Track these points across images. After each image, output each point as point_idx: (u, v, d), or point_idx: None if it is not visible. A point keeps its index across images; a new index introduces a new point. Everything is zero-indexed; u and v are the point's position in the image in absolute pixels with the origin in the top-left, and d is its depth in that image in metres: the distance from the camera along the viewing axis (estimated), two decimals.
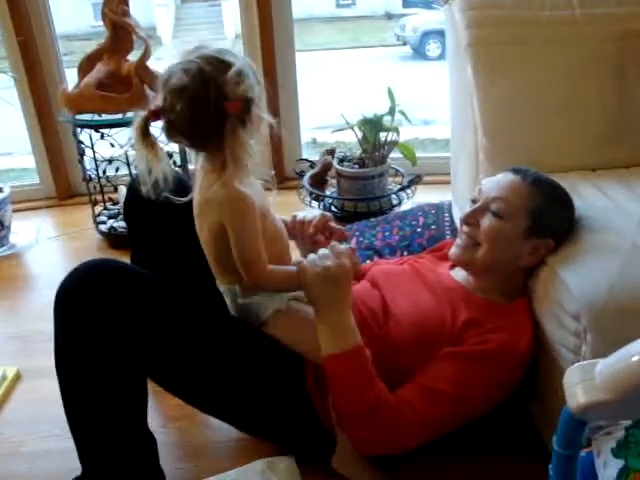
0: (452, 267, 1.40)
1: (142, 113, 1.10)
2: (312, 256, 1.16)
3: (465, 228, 1.31)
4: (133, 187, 1.38)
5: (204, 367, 1.12)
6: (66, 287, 1.08)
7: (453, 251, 1.32)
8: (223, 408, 1.19)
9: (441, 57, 6.22)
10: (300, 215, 1.38)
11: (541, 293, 1.24)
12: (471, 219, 1.29)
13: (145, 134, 1.09)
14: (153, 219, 1.36)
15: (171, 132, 1.09)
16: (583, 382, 0.72)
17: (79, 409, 1.11)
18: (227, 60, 1.08)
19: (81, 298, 1.05)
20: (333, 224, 1.36)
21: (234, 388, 1.14)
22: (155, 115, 1.09)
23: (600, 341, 1.07)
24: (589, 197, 1.40)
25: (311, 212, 1.40)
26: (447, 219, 1.96)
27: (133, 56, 2.28)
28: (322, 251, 1.17)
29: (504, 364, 1.18)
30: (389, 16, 8.57)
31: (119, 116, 2.19)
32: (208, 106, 1.05)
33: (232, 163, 1.10)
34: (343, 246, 1.19)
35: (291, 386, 1.17)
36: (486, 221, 1.26)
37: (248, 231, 1.11)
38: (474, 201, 1.32)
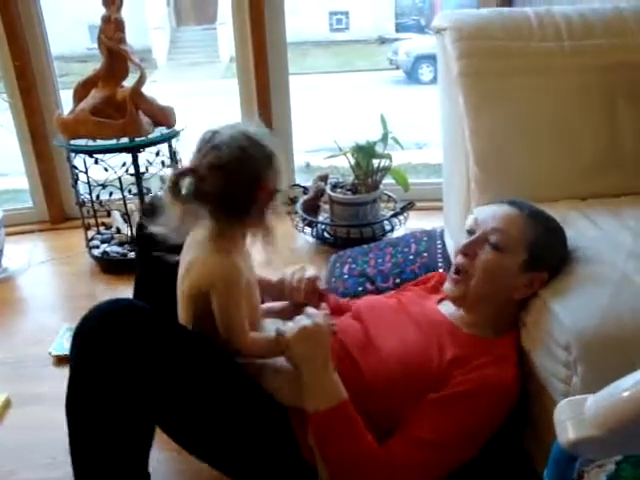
0: (440, 301, 1.39)
1: (173, 171, 1.12)
2: (289, 323, 1.18)
3: (460, 259, 1.30)
4: (150, 207, 1.38)
5: (205, 411, 1.11)
6: (88, 325, 1.06)
7: (447, 286, 1.32)
8: (208, 447, 1.17)
9: (434, 81, 6.26)
10: (287, 276, 1.39)
11: (532, 324, 1.24)
12: (468, 250, 1.28)
13: (176, 194, 1.08)
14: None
15: (199, 192, 1.09)
16: (573, 417, 0.72)
17: (84, 448, 1.09)
18: (266, 145, 1.12)
19: (103, 336, 1.03)
20: (320, 285, 1.39)
21: (222, 428, 1.12)
22: (186, 174, 1.09)
23: (590, 371, 1.08)
24: (579, 227, 1.41)
25: (295, 271, 1.41)
26: (439, 246, 1.97)
27: (128, 82, 2.30)
28: (297, 317, 1.18)
29: (488, 401, 1.17)
30: (382, 40, 8.68)
31: (113, 141, 2.20)
32: (242, 184, 1.09)
33: (248, 239, 1.15)
34: (317, 311, 1.21)
35: (275, 421, 1.16)
36: (484, 253, 1.26)
37: (234, 302, 1.12)
38: (470, 232, 1.31)
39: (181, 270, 1.18)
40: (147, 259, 1.34)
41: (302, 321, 1.16)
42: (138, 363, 1.03)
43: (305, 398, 1.13)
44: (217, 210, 1.10)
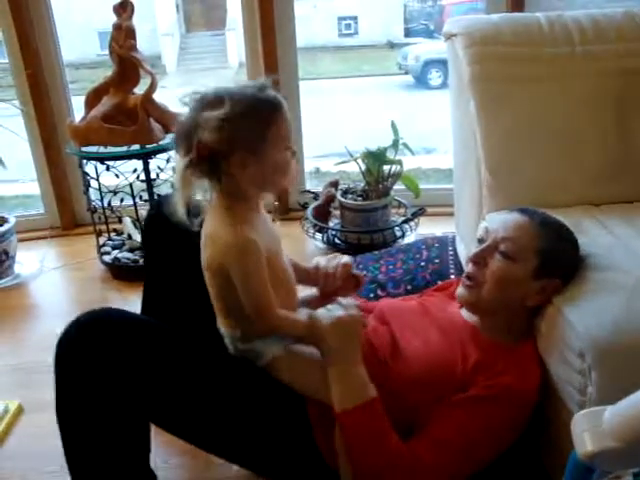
0: (462, 306, 1.39)
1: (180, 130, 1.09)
2: (322, 310, 1.17)
3: (471, 267, 1.30)
4: (156, 206, 1.38)
5: (207, 409, 1.10)
6: (67, 337, 1.07)
7: (460, 292, 1.32)
8: (227, 448, 1.18)
9: (443, 86, 6.27)
10: (322, 263, 1.37)
11: (546, 331, 1.24)
12: (478, 259, 1.28)
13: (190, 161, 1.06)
14: (172, 241, 1.32)
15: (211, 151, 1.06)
16: (591, 429, 0.72)
17: (80, 455, 1.10)
18: (223, 101, 1.05)
19: (82, 347, 1.04)
20: (354, 271, 1.37)
21: (237, 428, 1.13)
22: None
23: (605, 379, 1.07)
24: (593, 233, 1.40)
25: (330, 258, 1.40)
26: (451, 253, 1.97)
27: (139, 89, 2.31)
28: (330, 306, 1.18)
29: (510, 407, 1.17)
30: (391, 45, 8.67)
31: (124, 148, 2.21)
32: (186, 141, 1.06)
33: (231, 200, 1.10)
34: (350, 300, 1.20)
35: (294, 424, 1.16)
36: (495, 262, 1.25)
37: (253, 278, 1.09)
38: (480, 240, 1.31)
39: (202, 242, 1.15)
40: (156, 246, 1.36)
41: (336, 311, 1.15)
42: (125, 367, 1.04)
43: (334, 391, 1.13)
44: (193, 170, 1.06)
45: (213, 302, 1.18)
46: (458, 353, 1.23)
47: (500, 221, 1.31)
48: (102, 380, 1.04)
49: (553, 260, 1.24)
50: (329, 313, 1.15)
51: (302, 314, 1.18)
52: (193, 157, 1.05)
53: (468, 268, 1.31)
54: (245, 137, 1.05)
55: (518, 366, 1.22)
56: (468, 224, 1.79)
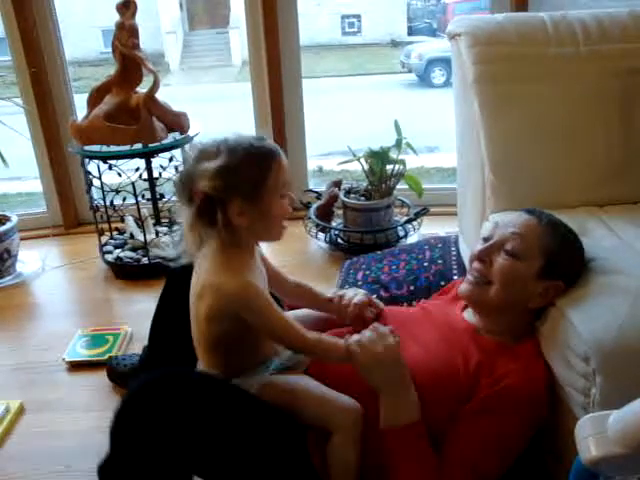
0: (464, 308, 1.39)
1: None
2: (357, 337, 1.17)
3: (476, 265, 1.29)
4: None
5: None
6: (131, 402, 1.06)
7: (463, 287, 1.31)
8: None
9: (446, 84, 6.27)
10: (337, 295, 1.41)
11: (549, 334, 1.23)
12: (484, 256, 1.27)
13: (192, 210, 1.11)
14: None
15: (206, 204, 1.11)
16: (595, 434, 0.71)
17: None
18: (220, 151, 1.09)
19: (144, 413, 1.03)
20: (367, 312, 1.38)
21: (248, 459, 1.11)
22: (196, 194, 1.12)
23: (609, 383, 1.06)
24: (597, 235, 1.40)
25: (348, 290, 1.43)
26: (454, 253, 1.96)
27: (142, 88, 2.30)
28: (367, 333, 1.17)
29: (521, 407, 1.17)
30: (394, 44, 8.68)
31: (127, 147, 2.21)
32: (185, 190, 1.11)
33: (229, 247, 1.12)
34: (384, 327, 1.20)
35: (293, 449, 1.15)
36: (500, 260, 1.25)
37: (268, 313, 1.12)
38: (486, 239, 1.31)
39: (193, 291, 1.17)
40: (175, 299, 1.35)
41: (373, 345, 1.15)
42: (183, 430, 1.03)
43: (385, 413, 1.15)
44: (225, 222, 1.09)
45: (196, 346, 1.20)
46: (459, 357, 1.22)
47: (507, 220, 1.31)
48: (160, 443, 1.03)
49: (558, 262, 1.24)
50: (367, 345, 1.15)
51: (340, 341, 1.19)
52: (195, 205, 1.09)
53: (474, 265, 1.30)
54: (242, 185, 1.08)
55: (521, 365, 1.21)
56: (471, 224, 1.78)
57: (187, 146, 1.15)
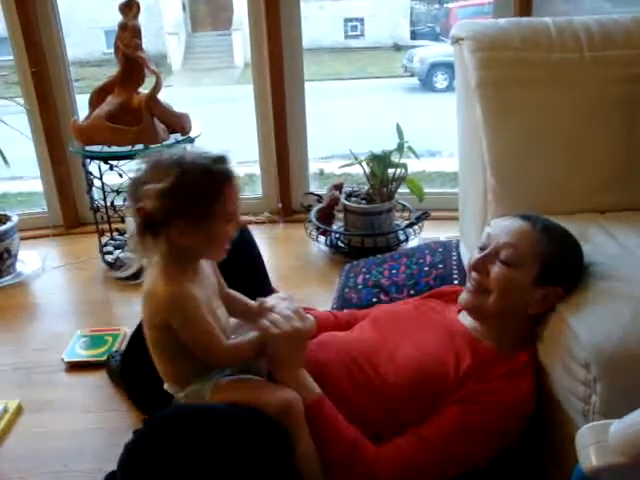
0: (460, 311, 1.38)
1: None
2: (274, 316, 1.17)
3: (474, 275, 1.29)
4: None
5: None
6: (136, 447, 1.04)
7: (463, 296, 1.31)
8: None
9: (448, 89, 6.27)
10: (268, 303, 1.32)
11: (549, 340, 1.22)
12: (480, 266, 1.27)
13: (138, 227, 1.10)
14: None
15: (152, 220, 1.10)
16: (596, 443, 0.71)
17: None
18: (171, 172, 1.05)
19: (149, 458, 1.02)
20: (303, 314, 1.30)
21: None
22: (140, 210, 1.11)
23: (610, 390, 1.06)
24: (598, 242, 1.39)
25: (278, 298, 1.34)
26: (455, 258, 1.95)
27: (144, 89, 2.30)
28: (284, 312, 1.18)
29: (497, 415, 1.17)
30: (397, 47, 8.67)
31: (128, 148, 2.20)
32: (132, 203, 1.09)
33: (169, 259, 1.11)
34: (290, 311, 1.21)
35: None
36: (495, 269, 1.25)
37: (195, 325, 1.10)
38: (482, 248, 1.30)
39: (142, 301, 1.17)
40: None
41: (292, 321, 1.17)
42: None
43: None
44: (168, 238, 1.09)
45: (157, 359, 1.18)
46: (451, 358, 1.22)
47: (501, 228, 1.30)
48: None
49: (555, 267, 1.23)
50: (285, 321, 1.17)
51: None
52: (138, 220, 1.08)
53: (472, 275, 1.30)
54: (187, 208, 1.06)
55: (511, 376, 1.20)
56: (472, 229, 1.78)
57: (142, 156, 1.12)
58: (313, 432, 1.12)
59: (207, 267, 1.20)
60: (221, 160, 1.09)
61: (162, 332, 1.12)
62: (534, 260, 1.23)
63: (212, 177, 1.07)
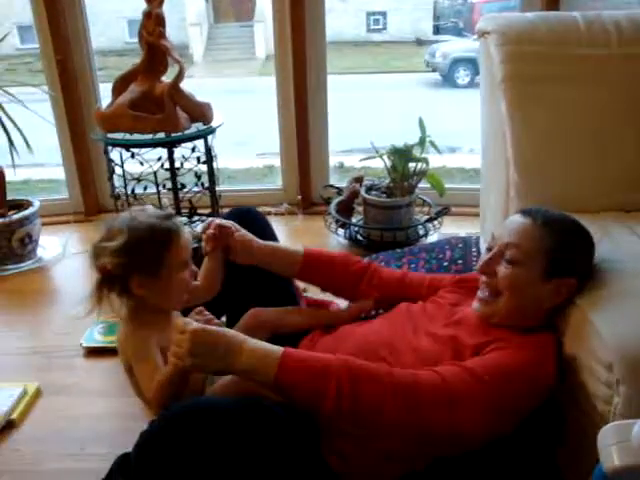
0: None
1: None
2: (172, 349, 1.11)
3: (483, 278, 1.28)
4: None
5: None
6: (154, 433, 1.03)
7: (475, 306, 1.29)
8: None
9: (470, 85, 6.22)
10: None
11: (571, 337, 1.20)
12: (486, 270, 1.26)
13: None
14: None
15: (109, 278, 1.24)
16: (619, 443, 0.69)
17: None
18: (122, 231, 1.18)
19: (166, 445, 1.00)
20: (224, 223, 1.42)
21: None
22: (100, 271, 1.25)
23: (634, 393, 1.04)
24: (622, 240, 1.37)
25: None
26: (475, 254, 1.94)
27: (167, 77, 2.30)
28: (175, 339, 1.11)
29: (518, 374, 1.13)
30: (419, 42, 8.63)
31: (150, 136, 2.21)
32: (94, 262, 1.22)
33: (134, 310, 1.25)
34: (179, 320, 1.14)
35: (310, 458, 1.13)
36: (503, 269, 1.23)
37: (141, 370, 1.20)
38: (489, 249, 1.29)
39: None
40: None
41: (180, 345, 1.08)
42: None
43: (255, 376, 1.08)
44: (129, 288, 1.22)
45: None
46: (469, 347, 1.19)
47: (504, 227, 1.29)
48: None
49: (561, 259, 1.21)
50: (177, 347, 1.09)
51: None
52: (97, 277, 1.21)
53: (482, 279, 1.28)
54: (140, 263, 1.19)
55: (534, 348, 1.18)
56: (493, 225, 1.76)
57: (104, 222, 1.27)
58: (304, 380, 1.05)
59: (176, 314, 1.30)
60: (167, 217, 1.24)
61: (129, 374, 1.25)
62: (539, 255, 1.21)
63: (160, 232, 1.20)
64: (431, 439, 1.09)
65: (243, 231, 1.43)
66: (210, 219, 1.43)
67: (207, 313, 1.20)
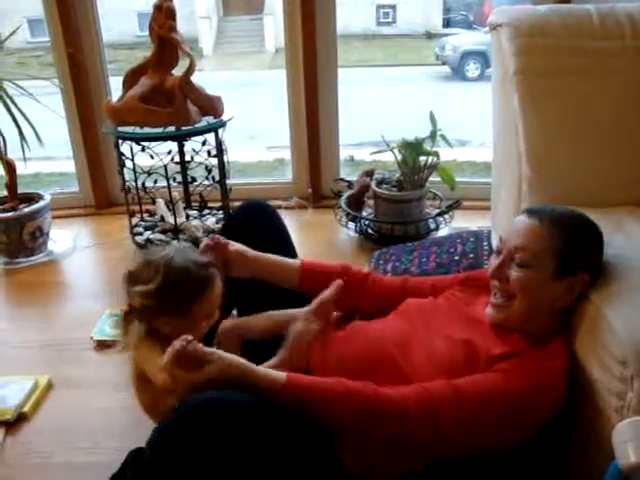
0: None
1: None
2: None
3: (495, 283, 1.27)
4: None
5: None
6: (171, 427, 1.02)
7: (489, 312, 1.27)
8: None
9: (480, 78, 6.18)
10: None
11: (584, 332, 1.19)
12: (497, 275, 1.25)
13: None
14: None
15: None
16: (636, 440, 0.69)
17: None
18: (152, 272, 1.20)
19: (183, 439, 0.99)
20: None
21: None
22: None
23: None
24: (636, 235, 1.36)
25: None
26: (486, 248, 1.93)
27: (177, 71, 2.30)
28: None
29: (527, 394, 1.13)
30: (429, 35, 8.57)
31: (160, 129, 2.21)
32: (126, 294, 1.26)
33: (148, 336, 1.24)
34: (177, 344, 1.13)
35: (325, 455, 1.12)
36: (513, 273, 1.22)
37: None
38: (497, 252, 1.28)
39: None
40: None
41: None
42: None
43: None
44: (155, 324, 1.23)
45: (148, 413, 1.28)
46: (481, 349, 1.19)
47: (511, 229, 1.27)
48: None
49: (571, 257, 1.20)
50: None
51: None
52: (126, 309, 1.26)
53: (493, 284, 1.27)
54: (170, 306, 1.20)
55: (542, 360, 1.17)
56: (505, 219, 1.75)
57: (139, 252, 1.26)
58: (311, 409, 1.07)
59: None
60: (204, 265, 1.24)
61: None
62: (548, 256, 1.20)
63: (194, 280, 1.21)
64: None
65: (237, 244, 1.42)
66: (205, 239, 1.43)
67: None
